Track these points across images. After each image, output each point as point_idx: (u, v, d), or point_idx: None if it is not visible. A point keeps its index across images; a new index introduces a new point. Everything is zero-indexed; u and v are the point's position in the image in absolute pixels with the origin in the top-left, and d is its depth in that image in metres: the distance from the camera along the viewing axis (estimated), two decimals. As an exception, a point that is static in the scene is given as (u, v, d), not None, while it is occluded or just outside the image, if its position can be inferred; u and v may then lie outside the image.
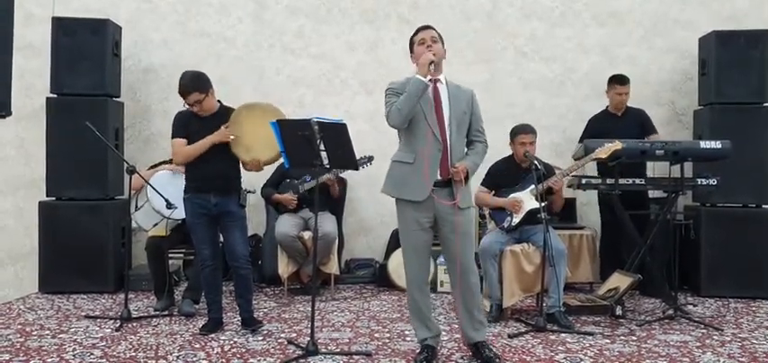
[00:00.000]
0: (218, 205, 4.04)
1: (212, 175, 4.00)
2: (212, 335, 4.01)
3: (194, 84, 4.00)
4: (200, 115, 4.07)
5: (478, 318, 3.50)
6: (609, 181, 4.63)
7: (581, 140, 5.20)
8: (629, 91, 5.40)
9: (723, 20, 5.90)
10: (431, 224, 3.41)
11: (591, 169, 5.03)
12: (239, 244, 4.11)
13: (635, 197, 5.01)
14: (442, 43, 3.44)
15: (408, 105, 3.26)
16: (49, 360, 3.51)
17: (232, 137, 3.97)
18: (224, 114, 4.07)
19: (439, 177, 3.36)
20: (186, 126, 4.07)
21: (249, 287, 4.18)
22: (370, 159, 5.15)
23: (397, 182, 3.43)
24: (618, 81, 5.40)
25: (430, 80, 3.32)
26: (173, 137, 4.11)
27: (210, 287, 4.17)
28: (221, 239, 4.24)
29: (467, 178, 3.41)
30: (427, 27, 3.47)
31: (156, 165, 5.02)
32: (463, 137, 3.47)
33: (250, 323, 4.16)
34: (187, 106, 4.08)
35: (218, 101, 4.18)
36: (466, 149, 3.50)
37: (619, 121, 5.38)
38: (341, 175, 5.51)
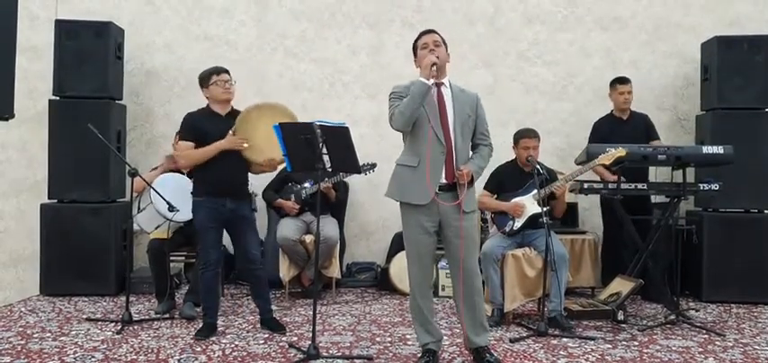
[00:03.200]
0: (233, 209, 4.07)
1: (227, 180, 4.02)
2: (213, 338, 4.01)
3: (221, 67, 4.12)
4: (214, 113, 4.09)
5: (481, 323, 3.49)
6: (610, 185, 4.64)
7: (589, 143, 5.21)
8: (632, 90, 5.40)
9: (726, 25, 5.90)
10: (435, 228, 3.40)
11: (595, 174, 5.02)
12: (254, 247, 4.19)
13: (638, 201, 5.01)
14: (446, 47, 3.44)
15: (411, 108, 3.26)
16: (51, 363, 3.51)
17: (246, 145, 3.95)
18: (236, 116, 4.07)
19: (443, 180, 3.34)
20: (196, 129, 4.06)
21: (266, 288, 4.31)
22: (373, 166, 5.16)
23: (400, 186, 3.41)
24: (619, 81, 5.42)
25: (433, 83, 3.32)
26: (180, 139, 4.13)
27: (211, 291, 4.18)
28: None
29: (471, 181, 3.40)
30: (430, 31, 3.47)
31: (157, 167, 5.03)
32: (468, 140, 3.45)
33: (272, 325, 4.21)
34: (213, 96, 4.10)
35: None
36: (471, 153, 3.49)
37: (625, 125, 5.39)
38: (344, 180, 5.51)
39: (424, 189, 3.30)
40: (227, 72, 4.14)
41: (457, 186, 3.34)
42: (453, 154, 3.35)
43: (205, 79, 4.12)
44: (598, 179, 5.01)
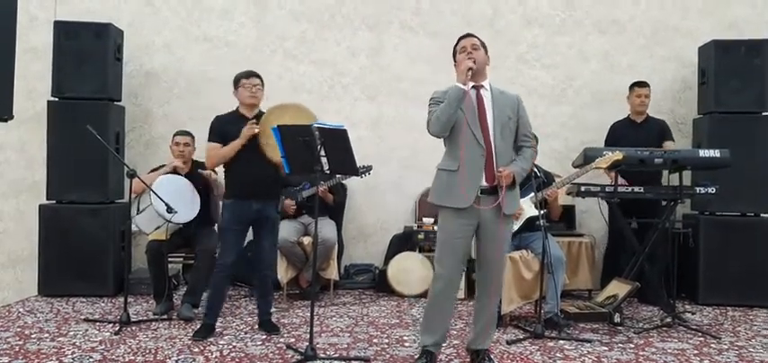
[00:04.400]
0: (258, 210, 4.12)
1: (254, 181, 4.05)
2: (211, 339, 4.02)
3: (252, 71, 4.20)
4: (241, 116, 4.14)
5: (492, 327, 3.52)
6: (608, 188, 4.66)
7: (606, 145, 5.25)
8: (650, 94, 5.46)
9: (724, 28, 5.91)
10: (473, 232, 3.36)
11: (594, 176, 5.03)
12: (270, 251, 4.29)
13: (649, 205, 5.01)
14: (485, 50, 3.41)
15: (447, 112, 3.23)
16: (49, 363, 3.52)
17: (256, 129, 3.98)
18: (261, 117, 4.12)
19: (484, 183, 3.30)
20: (224, 131, 4.12)
21: (271, 293, 4.37)
22: (369, 168, 5.18)
23: (440, 190, 3.38)
24: (637, 84, 5.48)
25: (471, 86, 3.31)
26: (209, 140, 4.17)
27: (219, 293, 4.21)
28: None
29: (514, 183, 3.35)
30: (469, 35, 3.44)
31: (156, 169, 5.03)
32: (509, 142, 3.40)
33: (269, 327, 4.24)
34: (240, 98, 4.18)
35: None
36: (514, 154, 3.45)
37: (640, 129, 5.43)
38: (343, 182, 5.53)
39: (462, 193, 3.27)
40: (257, 76, 4.20)
41: (498, 189, 3.29)
42: (493, 157, 3.31)
43: (236, 81, 4.21)
44: (596, 181, 5.01)
